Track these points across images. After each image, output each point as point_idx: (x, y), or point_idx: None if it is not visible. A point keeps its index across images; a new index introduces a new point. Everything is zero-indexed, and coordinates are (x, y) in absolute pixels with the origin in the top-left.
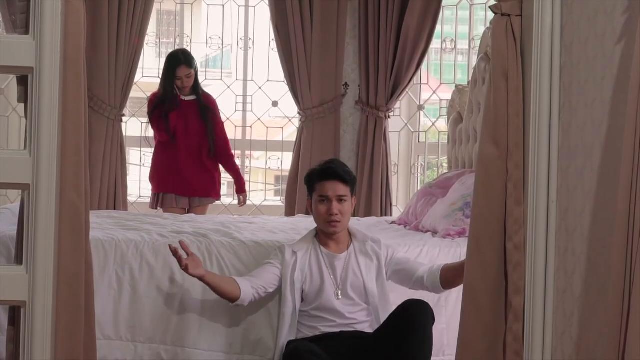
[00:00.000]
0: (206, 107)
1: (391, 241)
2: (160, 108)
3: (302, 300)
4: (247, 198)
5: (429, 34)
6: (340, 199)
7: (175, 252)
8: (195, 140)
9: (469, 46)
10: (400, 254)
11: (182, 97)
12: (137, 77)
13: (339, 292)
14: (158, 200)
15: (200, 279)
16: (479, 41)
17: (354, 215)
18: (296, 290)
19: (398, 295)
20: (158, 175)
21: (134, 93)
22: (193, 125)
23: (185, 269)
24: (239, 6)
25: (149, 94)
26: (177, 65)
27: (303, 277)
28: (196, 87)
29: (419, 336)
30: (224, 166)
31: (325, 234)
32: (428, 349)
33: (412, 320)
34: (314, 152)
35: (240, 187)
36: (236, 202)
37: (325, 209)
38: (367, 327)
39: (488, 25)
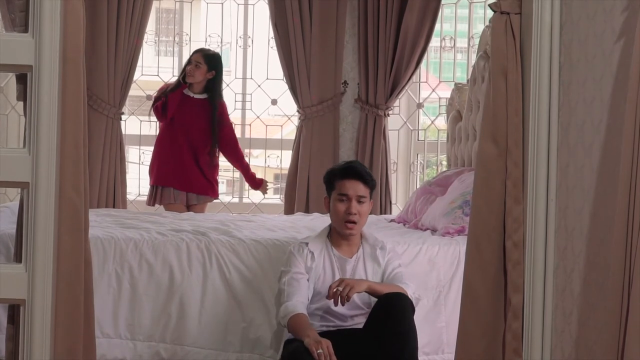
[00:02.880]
0: (216, 110)
1: (391, 239)
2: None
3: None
4: (267, 186)
5: (428, 32)
6: (360, 200)
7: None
8: (197, 138)
9: (468, 44)
10: (396, 271)
11: (191, 94)
12: (136, 75)
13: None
14: (156, 195)
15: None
16: (478, 39)
17: None
18: (309, 289)
19: None
20: (158, 167)
21: (133, 91)
22: (197, 123)
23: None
24: (238, 4)
25: (148, 92)
26: (197, 50)
27: (317, 277)
28: (211, 90)
29: (403, 328)
30: (234, 165)
31: (340, 235)
32: (414, 338)
33: (393, 313)
34: (313, 150)
35: (253, 182)
36: (236, 200)
37: (344, 207)
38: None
39: (487, 23)
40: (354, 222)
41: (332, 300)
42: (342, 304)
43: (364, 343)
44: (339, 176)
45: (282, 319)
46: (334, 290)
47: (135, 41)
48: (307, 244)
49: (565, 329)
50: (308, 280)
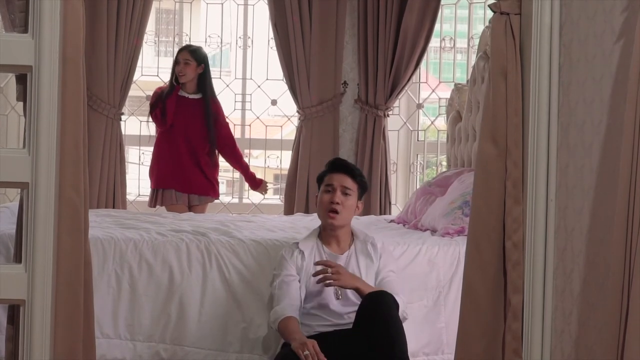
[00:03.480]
0: (209, 109)
1: (390, 239)
2: (161, 99)
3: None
4: (266, 187)
5: (428, 33)
6: (345, 191)
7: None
8: (196, 139)
9: (468, 45)
10: (390, 277)
11: (186, 95)
12: (136, 75)
13: (339, 293)
14: (157, 197)
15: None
16: (478, 40)
17: None
18: (302, 289)
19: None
20: (158, 170)
21: (133, 92)
22: (194, 123)
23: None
24: (238, 5)
25: (148, 93)
26: (181, 50)
27: (308, 277)
28: (203, 87)
29: (391, 325)
30: (233, 165)
31: (326, 230)
32: (402, 334)
33: (378, 311)
34: (313, 150)
35: (252, 183)
36: (235, 200)
37: (328, 197)
38: None
39: (487, 23)
40: (336, 212)
41: (331, 297)
42: (325, 286)
43: (354, 343)
44: (328, 170)
45: (273, 323)
46: (325, 271)
47: (135, 41)
48: (297, 244)
49: (565, 329)
50: (300, 281)
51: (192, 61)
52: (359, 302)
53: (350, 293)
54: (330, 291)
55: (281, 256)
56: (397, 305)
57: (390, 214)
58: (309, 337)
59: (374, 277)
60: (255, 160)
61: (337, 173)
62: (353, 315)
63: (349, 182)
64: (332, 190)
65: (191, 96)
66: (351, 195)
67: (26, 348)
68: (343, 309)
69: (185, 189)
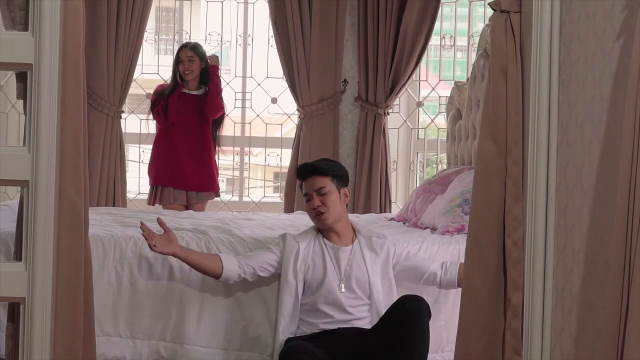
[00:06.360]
0: (206, 101)
1: (391, 237)
2: (163, 96)
3: (303, 291)
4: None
5: (428, 31)
6: (320, 192)
7: (143, 230)
8: (196, 135)
9: (468, 43)
10: (407, 250)
11: (187, 91)
12: (136, 73)
13: (343, 284)
14: (156, 195)
15: (174, 255)
16: (478, 38)
17: (353, 211)
18: (299, 279)
19: (403, 292)
20: (156, 167)
21: (133, 90)
22: (194, 119)
23: (153, 248)
24: (238, 3)
25: (148, 91)
26: (181, 48)
27: (305, 267)
28: (205, 82)
29: (416, 331)
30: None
31: (323, 229)
32: (425, 343)
33: (409, 315)
34: (313, 148)
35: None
36: (236, 198)
37: (309, 205)
38: (366, 324)
39: (487, 22)
40: (322, 212)
41: (334, 289)
42: None
43: (372, 343)
44: (299, 180)
45: None
46: None
47: (135, 40)
48: (294, 236)
49: (564, 327)
50: (295, 276)
51: (196, 57)
52: (364, 296)
53: (355, 285)
54: (333, 283)
55: (282, 237)
56: (430, 315)
57: (390, 212)
58: (313, 335)
59: (379, 270)
60: (255, 159)
61: (305, 179)
62: (357, 310)
63: (319, 182)
64: (310, 198)
65: (193, 92)
66: (328, 192)
67: (26, 346)
68: (347, 302)
69: (183, 185)
